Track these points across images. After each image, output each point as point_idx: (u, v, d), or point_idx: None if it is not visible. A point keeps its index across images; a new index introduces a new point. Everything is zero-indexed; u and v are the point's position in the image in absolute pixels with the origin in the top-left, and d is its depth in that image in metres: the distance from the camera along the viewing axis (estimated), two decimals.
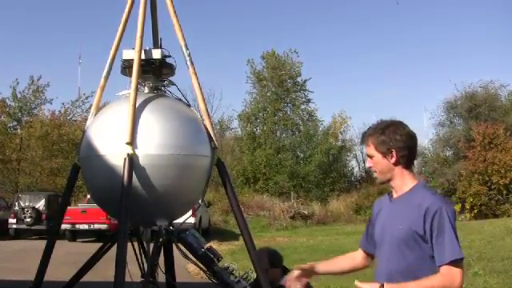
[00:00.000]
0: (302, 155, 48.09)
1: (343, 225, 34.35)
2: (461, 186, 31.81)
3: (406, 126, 3.50)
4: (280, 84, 48.15)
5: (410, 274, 3.23)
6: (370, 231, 3.67)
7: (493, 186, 31.17)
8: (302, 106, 49.30)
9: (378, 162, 3.43)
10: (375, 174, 3.51)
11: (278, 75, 47.92)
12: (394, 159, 3.38)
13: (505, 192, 31.01)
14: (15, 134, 39.01)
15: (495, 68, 76.46)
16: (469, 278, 11.47)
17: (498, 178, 30.74)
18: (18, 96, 38.08)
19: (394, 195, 3.48)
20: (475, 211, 31.15)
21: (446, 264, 3.13)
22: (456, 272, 3.13)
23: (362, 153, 56.09)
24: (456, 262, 3.13)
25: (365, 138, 3.52)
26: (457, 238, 3.17)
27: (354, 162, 55.03)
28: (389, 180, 3.46)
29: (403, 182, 3.42)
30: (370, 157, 3.48)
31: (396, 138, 3.37)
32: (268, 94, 48.97)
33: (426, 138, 52.42)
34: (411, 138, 3.44)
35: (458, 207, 31.86)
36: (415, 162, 3.89)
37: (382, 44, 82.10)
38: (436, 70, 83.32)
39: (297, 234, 28.73)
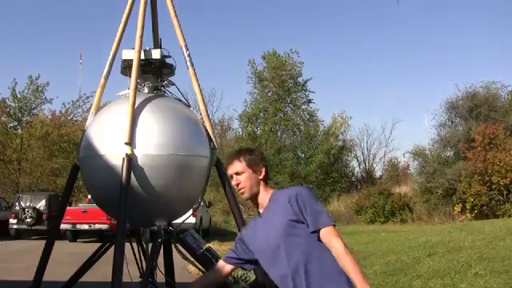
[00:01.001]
0: (302, 155, 48.09)
1: (344, 225, 34.32)
2: (461, 187, 31.77)
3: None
4: (281, 84, 48.13)
5: (310, 254, 3.58)
6: (241, 249, 3.98)
7: (493, 187, 31.08)
8: (303, 107, 49.28)
9: (249, 178, 3.84)
10: (242, 190, 3.85)
11: (278, 75, 47.92)
12: (262, 175, 3.88)
13: (505, 192, 30.94)
14: (16, 134, 39.00)
15: (497, 69, 76.37)
16: (469, 279, 11.46)
17: (498, 179, 30.64)
18: (18, 96, 38.07)
19: (261, 210, 3.87)
20: (476, 211, 31.08)
21: (324, 227, 3.56)
22: (333, 228, 3.58)
23: (362, 153, 56.27)
24: (330, 226, 3.58)
25: (233, 157, 3.95)
26: (321, 208, 3.67)
27: (354, 163, 55.10)
28: (256, 194, 3.86)
29: (265, 195, 3.85)
30: (239, 173, 3.85)
31: (263, 158, 3.97)
32: (269, 95, 48.97)
33: (427, 138, 52.51)
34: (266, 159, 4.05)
35: (458, 207, 31.84)
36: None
37: (383, 44, 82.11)
38: (437, 71, 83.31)
39: None
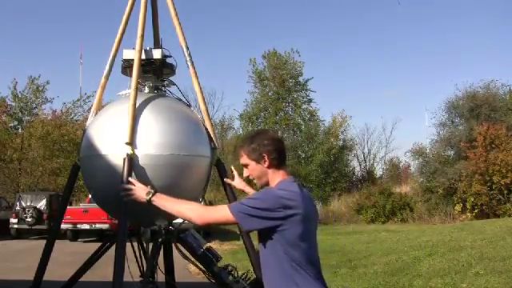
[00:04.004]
0: (303, 155, 48.11)
1: (344, 225, 34.34)
2: (462, 186, 31.79)
3: (272, 131, 3.86)
4: (281, 84, 48.14)
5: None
6: None
7: (494, 186, 31.12)
8: (304, 106, 49.28)
9: (254, 169, 3.71)
10: (255, 181, 3.77)
11: (279, 75, 47.93)
12: (266, 163, 3.66)
13: (506, 192, 30.97)
14: (16, 133, 39.01)
15: (496, 67, 76.48)
16: (470, 278, 11.46)
17: (499, 178, 30.68)
18: (19, 96, 38.06)
19: None
20: (476, 211, 31.13)
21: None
22: (222, 209, 3.58)
23: (363, 153, 56.31)
24: (232, 209, 3.51)
25: (236, 150, 3.96)
26: (247, 205, 3.46)
27: (355, 162, 55.13)
28: (267, 183, 3.71)
29: (275, 183, 3.67)
30: (246, 166, 3.74)
31: (264, 144, 3.64)
32: (269, 94, 48.99)
33: (427, 137, 52.53)
34: (278, 140, 3.75)
35: (459, 207, 31.86)
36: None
37: (383, 43, 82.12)
38: (437, 70, 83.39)
39: None
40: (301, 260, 3.47)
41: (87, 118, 6.26)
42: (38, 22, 77.00)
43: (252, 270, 5.56)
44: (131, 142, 5.21)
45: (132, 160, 5.14)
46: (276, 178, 3.67)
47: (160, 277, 5.95)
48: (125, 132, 5.24)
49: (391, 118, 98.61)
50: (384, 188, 38.08)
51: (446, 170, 33.75)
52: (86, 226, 24.13)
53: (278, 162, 3.68)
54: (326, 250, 17.80)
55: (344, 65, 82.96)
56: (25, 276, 9.05)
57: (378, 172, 57.05)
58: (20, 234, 27.00)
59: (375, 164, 57.49)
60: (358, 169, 55.36)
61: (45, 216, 26.51)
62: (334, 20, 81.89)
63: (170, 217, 5.81)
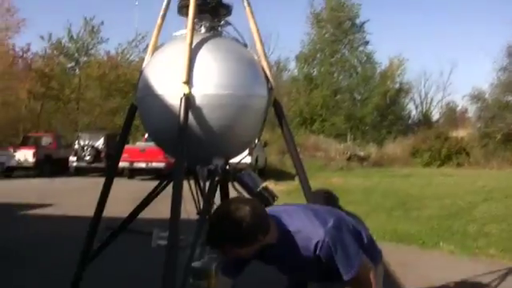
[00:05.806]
0: (359, 97, 47.79)
1: (399, 167, 34.12)
2: None
3: (238, 208, 3.17)
4: (338, 26, 47.66)
5: None
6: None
7: None
8: (360, 48, 48.79)
9: (248, 253, 3.21)
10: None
11: (336, 17, 47.40)
12: (261, 241, 3.16)
13: None
14: (73, 74, 39.62)
15: None
16: None
17: None
18: (74, 37, 38.43)
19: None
20: None
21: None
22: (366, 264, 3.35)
23: (420, 96, 55.52)
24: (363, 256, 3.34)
25: (220, 246, 3.21)
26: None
27: (411, 105, 54.51)
28: None
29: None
30: (235, 254, 3.22)
31: (253, 228, 3.11)
32: (326, 36, 48.56)
33: (487, 82, 51.53)
34: (257, 207, 3.27)
35: None
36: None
37: None
38: (498, 14, 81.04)
39: (352, 176, 28.56)
40: None
41: (143, 59, 6.27)
42: None
43: None
44: (188, 81, 5.21)
45: (188, 100, 5.15)
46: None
47: None
48: (181, 72, 5.24)
49: (449, 62, 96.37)
50: (440, 132, 37.64)
51: (505, 115, 33.12)
52: (143, 165, 24.57)
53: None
54: (381, 192, 17.79)
55: (402, 7, 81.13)
56: (84, 212, 9.28)
57: (435, 116, 56.36)
58: (79, 172, 27.71)
59: (432, 108, 56.75)
60: (414, 112, 54.77)
61: (102, 154, 27.12)
62: None
63: (227, 155, 5.86)
